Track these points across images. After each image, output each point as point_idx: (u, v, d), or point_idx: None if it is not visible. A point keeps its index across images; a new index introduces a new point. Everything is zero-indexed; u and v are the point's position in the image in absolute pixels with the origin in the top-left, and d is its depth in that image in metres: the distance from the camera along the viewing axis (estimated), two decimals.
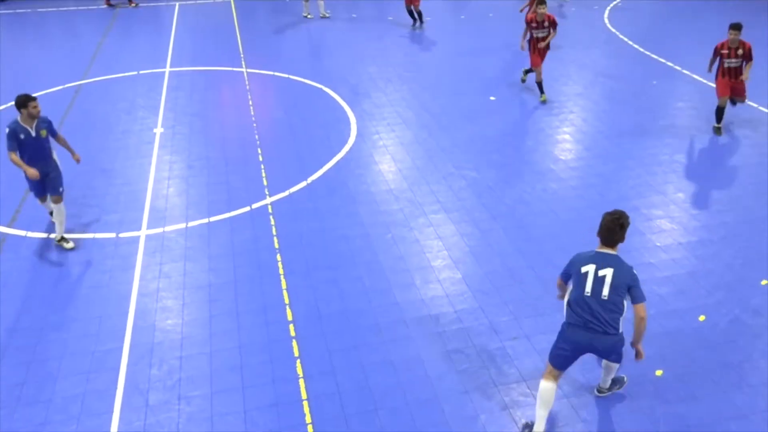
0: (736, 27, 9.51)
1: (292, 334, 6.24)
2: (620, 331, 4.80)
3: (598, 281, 4.69)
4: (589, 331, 4.76)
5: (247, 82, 12.61)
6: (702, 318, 6.39)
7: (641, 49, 14.21)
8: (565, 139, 10.25)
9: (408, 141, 10.15)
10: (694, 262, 7.20)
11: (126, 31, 16.23)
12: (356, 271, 7.15)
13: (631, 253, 7.04)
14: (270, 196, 8.60)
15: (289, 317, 6.46)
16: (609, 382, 5.41)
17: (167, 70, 13.30)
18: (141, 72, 13.17)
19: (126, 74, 13.06)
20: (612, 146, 9.90)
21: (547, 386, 4.94)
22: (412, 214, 8.18)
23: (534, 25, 11.21)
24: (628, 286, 4.67)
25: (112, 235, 7.82)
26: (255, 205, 8.38)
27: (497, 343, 6.10)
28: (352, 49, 14.75)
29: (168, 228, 7.95)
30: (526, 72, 12.14)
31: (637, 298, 4.68)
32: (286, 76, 12.89)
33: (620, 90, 12.10)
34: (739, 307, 6.53)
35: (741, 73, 9.63)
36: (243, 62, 13.69)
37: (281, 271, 7.14)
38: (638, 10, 17.38)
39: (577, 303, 4.80)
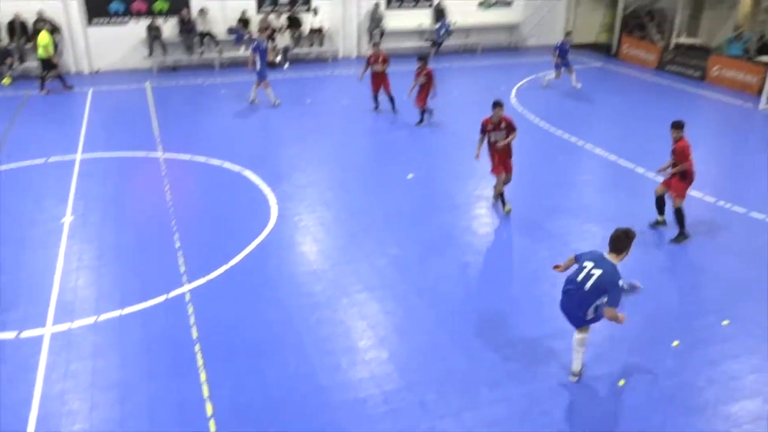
0: (675, 126, 9.19)
1: (212, 429, 5.89)
2: (588, 313, 6.14)
3: (588, 276, 5.97)
4: (569, 302, 6.23)
5: (163, 167, 12.40)
6: (621, 382, 6.57)
7: (546, 126, 15.18)
8: (481, 214, 10.60)
9: (329, 221, 10.19)
10: (609, 326, 7.44)
11: (35, 117, 15.73)
12: (280, 356, 6.92)
13: (551, 322, 7.23)
14: (188, 282, 8.30)
15: (209, 412, 6.11)
16: (580, 364, 6.48)
17: (78, 157, 12.90)
18: (50, 159, 12.71)
19: (34, 162, 12.56)
20: (525, 220, 10.31)
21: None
22: (335, 295, 8.10)
23: (490, 127, 10.22)
24: (605, 290, 5.84)
25: (12, 335, 7.24)
26: (172, 294, 8.05)
27: (426, 422, 5.99)
28: (271, 131, 14.91)
29: (76, 323, 7.46)
30: (500, 198, 10.60)
31: (609, 302, 5.89)
32: (204, 159, 12.79)
33: (529, 166, 12.76)
34: (655, 369, 6.77)
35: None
36: (159, 147, 13.51)
37: (200, 362, 6.80)
38: (541, 89, 18.67)
39: (570, 283, 6.18)
